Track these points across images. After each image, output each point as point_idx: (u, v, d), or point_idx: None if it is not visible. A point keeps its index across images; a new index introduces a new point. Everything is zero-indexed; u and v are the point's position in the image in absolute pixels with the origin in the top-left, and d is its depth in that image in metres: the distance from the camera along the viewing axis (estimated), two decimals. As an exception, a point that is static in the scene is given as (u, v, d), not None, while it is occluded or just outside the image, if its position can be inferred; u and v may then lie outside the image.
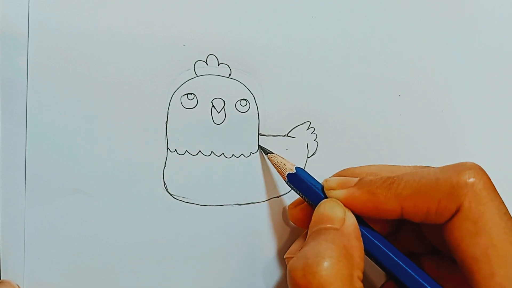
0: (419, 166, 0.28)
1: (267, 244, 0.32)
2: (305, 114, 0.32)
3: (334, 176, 0.30)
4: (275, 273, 0.32)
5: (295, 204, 0.30)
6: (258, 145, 0.31)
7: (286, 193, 0.32)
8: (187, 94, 0.30)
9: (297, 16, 0.31)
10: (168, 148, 0.30)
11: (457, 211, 0.23)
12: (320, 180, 0.29)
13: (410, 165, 0.29)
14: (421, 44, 0.33)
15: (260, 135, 0.31)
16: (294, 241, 0.30)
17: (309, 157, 0.32)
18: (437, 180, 0.24)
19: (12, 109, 0.29)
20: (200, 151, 0.31)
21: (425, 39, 0.33)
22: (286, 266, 0.25)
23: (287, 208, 0.31)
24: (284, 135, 0.32)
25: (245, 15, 0.31)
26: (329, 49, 0.32)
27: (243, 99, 0.31)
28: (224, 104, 0.31)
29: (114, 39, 0.29)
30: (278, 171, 0.29)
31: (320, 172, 0.32)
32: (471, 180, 0.23)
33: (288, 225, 0.32)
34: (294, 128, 0.32)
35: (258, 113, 0.31)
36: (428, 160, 0.33)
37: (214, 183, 0.31)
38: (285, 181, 0.28)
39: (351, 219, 0.25)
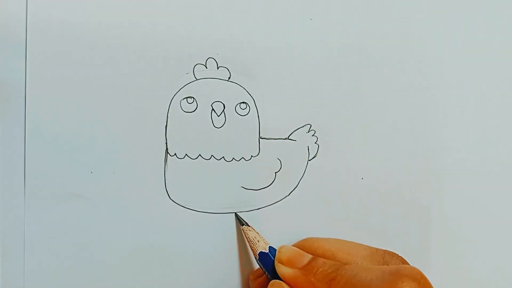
0: (374, 249, 0.28)
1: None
2: (305, 116, 0.32)
3: (294, 245, 0.30)
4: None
5: (255, 276, 0.30)
6: (235, 213, 0.30)
7: (286, 196, 0.32)
8: (186, 97, 0.30)
9: (296, 19, 0.31)
10: (167, 152, 0.30)
11: None
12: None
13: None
14: (422, 45, 0.33)
15: (260, 138, 0.31)
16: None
17: (309, 160, 0.32)
18: None
19: (10, 112, 0.28)
20: (200, 154, 0.30)
21: (425, 40, 0.33)
22: None
23: (249, 277, 0.31)
24: (285, 138, 0.31)
25: (244, 18, 0.31)
26: (329, 52, 0.32)
27: (243, 102, 0.31)
28: (224, 108, 0.31)
29: (113, 42, 0.29)
30: (250, 246, 0.28)
31: (321, 174, 0.32)
32: None
33: (289, 230, 0.32)
34: (294, 131, 0.32)
35: (258, 116, 0.31)
36: (426, 163, 0.33)
37: (214, 187, 0.31)
38: (256, 258, 0.28)
39: None
